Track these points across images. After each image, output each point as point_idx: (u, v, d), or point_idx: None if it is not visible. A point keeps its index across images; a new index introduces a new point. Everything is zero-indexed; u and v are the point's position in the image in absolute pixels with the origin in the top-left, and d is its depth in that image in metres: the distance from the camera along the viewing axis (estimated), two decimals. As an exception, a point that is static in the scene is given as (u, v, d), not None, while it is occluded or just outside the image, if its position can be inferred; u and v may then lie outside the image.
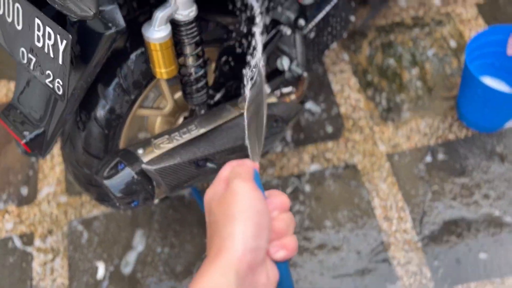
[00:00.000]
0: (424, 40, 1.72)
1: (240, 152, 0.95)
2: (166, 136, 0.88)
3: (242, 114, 0.99)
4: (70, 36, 0.67)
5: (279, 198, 0.49)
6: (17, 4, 0.74)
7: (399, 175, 1.47)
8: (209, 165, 0.88)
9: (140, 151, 0.84)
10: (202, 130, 0.92)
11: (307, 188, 1.47)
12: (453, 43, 1.71)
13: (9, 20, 0.76)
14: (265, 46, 1.13)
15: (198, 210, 1.46)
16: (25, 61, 0.77)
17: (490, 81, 1.48)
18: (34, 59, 0.75)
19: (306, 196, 1.46)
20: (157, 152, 0.84)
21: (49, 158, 1.62)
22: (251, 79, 0.54)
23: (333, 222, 1.41)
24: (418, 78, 1.64)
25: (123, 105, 0.97)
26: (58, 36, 0.69)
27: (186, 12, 0.84)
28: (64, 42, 0.68)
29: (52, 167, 1.60)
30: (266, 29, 1.14)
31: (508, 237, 1.33)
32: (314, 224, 1.41)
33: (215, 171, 0.91)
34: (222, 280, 0.42)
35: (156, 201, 0.85)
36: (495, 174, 1.44)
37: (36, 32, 0.72)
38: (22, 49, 0.76)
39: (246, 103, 0.59)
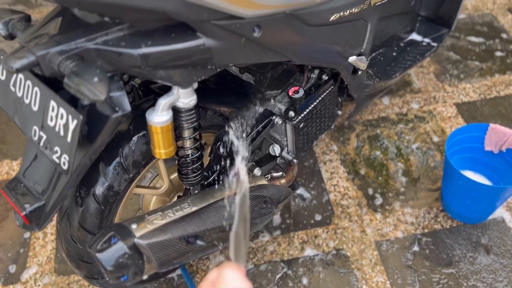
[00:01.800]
0: (408, 134, 1.84)
1: (228, 231, 0.99)
2: (160, 213, 0.93)
3: (233, 194, 1.04)
4: (81, 116, 0.75)
5: None
6: (36, 88, 0.83)
7: (388, 263, 1.49)
8: (199, 242, 0.92)
9: (133, 226, 0.88)
10: (194, 208, 0.97)
11: (297, 274, 1.48)
12: (435, 138, 1.82)
13: (27, 101, 0.85)
14: (257, 133, 1.22)
15: (186, 294, 1.44)
16: (36, 138, 0.84)
17: (471, 175, 1.56)
18: (44, 137, 0.82)
19: (295, 282, 1.46)
20: (150, 228, 0.88)
21: (42, 236, 1.63)
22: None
23: (322, 310, 1.39)
24: (403, 170, 1.73)
25: (122, 183, 1.03)
26: (69, 116, 0.77)
27: (187, 100, 0.93)
28: (75, 121, 0.76)
29: (44, 245, 1.60)
30: (259, 118, 1.24)
31: (498, 331, 1.32)
32: (302, 312, 1.39)
33: (204, 249, 0.94)
34: None
35: (145, 277, 0.87)
36: (482, 266, 1.46)
37: (50, 112, 0.80)
38: (35, 127, 0.84)
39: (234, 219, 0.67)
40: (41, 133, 0.83)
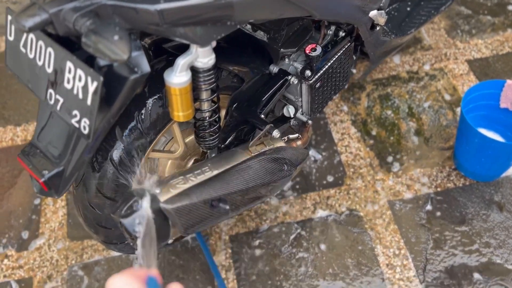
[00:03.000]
0: (419, 93, 1.80)
1: (252, 193, 0.98)
2: (181, 177, 0.91)
3: (252, 157, 1.02)
4: (101, 78, 0.71)
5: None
6: (49, 49, 0.78)
7: (401, 222, 1.49)
8: (222, 206, 0.90)
9: (157, 190, 0.86)
10: (216, 172, 0.95)
11: (311, 235, 1.48)
12: (447, 96, 1.79)
13: (40, 63, 0.81)
14: (273, 95, 1.18)
15: (201, 257, 1.45)
16: (52, 102, 0.81)
17: (485, 133, 1.54)
18: (61, 100, 0.79)
19: (310, 243, 1.46)
20: (174, 192, 0.86)
21: (52, 203, 1.62)
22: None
23: (337, 269, 1.41)
24: (415, 129, 1.70)
25: (138, 147, 1.00)
26: (89, 78, 0.73)
27: (206, 59, 0.89)
28: (95, 83, 0.72)
29: (55, 211, 1.59)
30: (274, 78, 1.20)
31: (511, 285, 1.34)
32: (318, 272, 1.41)
33: (227, 212, 0.93)
34: None
35: (170, 241, 0.86)
36: (495, 223, 1.47)
37: (67, 74, 0.76)
38: (50, 90, 0.80)
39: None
40: (58, 96, 0.79)
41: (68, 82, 0.76)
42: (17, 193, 1.65)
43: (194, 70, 0.91)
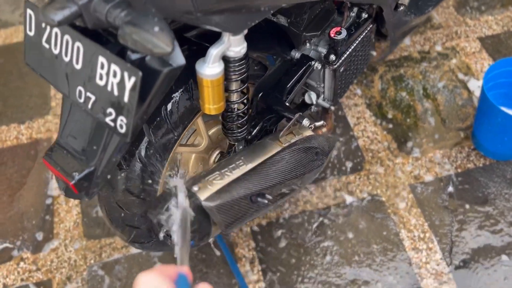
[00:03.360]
0: (433, 73, 1.77)
1: (288, 185, 0.95)
2: (217, 173, 0.87)
3: (285, 148, 0.98)
4: (140, 73, 0.67)
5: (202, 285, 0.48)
6: (77, 43, 0.73)
7: (424, 205, 1.47)
8: (261, 200, 0.87)
9: (195, 188, 0.82)
10: (250, 165, 0.91)
11: (333, 222, 1.46)
12: (461, 75, 1.76)
13: (66, 59, 0.76)
14: (297, 81, 1.14)
15: (222, 250, 1.42)
16: (81, 100, 0.76)
17: (506, 111, 1.51)
18: (93, 98, 0.74)
19: (333, 230, 1.44)
20: (212, 189, 0.83)
21: (65, 202, 1.57)
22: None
23: (363, 256, 1.39)
24: (431, 110, 1.68)
25: (166, 143, 0.96)
26: (125, 73, 0.69)
27: (238, 48, 0.85)
28: (133, 79, 0.68)
29: (69, 210, 1.55)
30: (297, 64, 1.16)
31: (539, 264, 1.33)
32: (344, 259, 1.39)
33: (267, 206, 0.90)
34: None
35: (211, 239, 0.83)
36: (518, 202, 1.46)
37: (99, 70, 0.71)
38: (80, 88, 0.75)
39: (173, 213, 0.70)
40: (89, 94, 0.74)
41: (101, 78, 0.72)
42: (28, 194, 1.60)
43: (225, 60, 0.86)
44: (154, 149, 0.94)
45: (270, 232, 1.45)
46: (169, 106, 0.93)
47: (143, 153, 0.94)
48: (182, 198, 0.76)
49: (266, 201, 0.88)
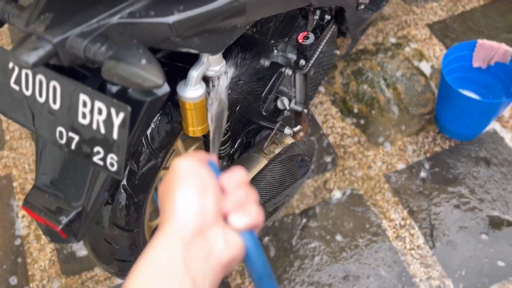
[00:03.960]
0: (389, 63, 1.83)
1: (280, 198, 0.94)
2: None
3: (272, 160, 0.98)
4: (129, 107, 0.63)
5: (235, 173, 0.47)
6: (53, 82, 0.68)
7: (400, 193, 1.52)
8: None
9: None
10: (241, 183, 0.90)
11: (317, 222, 1.47)
12: (416, 62, 1.82)
13: (41, 100, 0.71)
14: (270, 89, 1.14)
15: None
16: (63, 141, 0.71)
17: (464, 93, 1.58)
18: (76, 138, 0.70)
19: (318, 230, 1.45)
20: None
21: (36, 240, 1.49)
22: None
23: (350, 251, 1.41)
24: (393, 99, 1.73)
25: (150, 170, 0.92)
26: (112, 110, 0.65)
27: (218, 67, 0.83)
28: (122, 114, 0.64)
29: (42, 249, 1.46)
30: (268, 72, 1.15)
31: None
32: (332, 258, 1.40)
33: (266, 219, 0.89)
34: (167, 249, 0.40)
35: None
36: (485, 178, 1.53)
37: (81, 108, 0.67)
38: (60, 128, 0.71)
39: (210, 100, 0.69)
40: (71, 134, 0.70)
41: (84, 117, 0.68)
42: (-6, 237, 1.50)
43: (206, 80, 0.84)
44: (138, 178, 0.91)
45: (256, 241, 1.44)
46: (149, 132, 0.90)
47: (127, 183, 0.90)
48: (221, 87, 0.73)
49: (264, 215, 0.86)
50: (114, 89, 0.71)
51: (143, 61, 0.60)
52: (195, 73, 0.79)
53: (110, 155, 0.68)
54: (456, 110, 1.48)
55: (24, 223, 1.52)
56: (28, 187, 1.60)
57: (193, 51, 0.75)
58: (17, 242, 1.49)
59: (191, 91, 0.80)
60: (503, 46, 1.47)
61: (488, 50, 1.50)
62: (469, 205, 1.48)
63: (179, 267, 0.39)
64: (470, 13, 1.96)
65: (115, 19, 0.65)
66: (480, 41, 1.50)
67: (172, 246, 0.40)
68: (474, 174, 1.54)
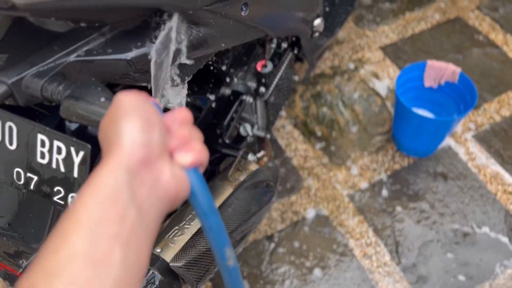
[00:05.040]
0: (347, 85, 1.89)
1: (247, 225, 0.94)
2: (176, 228, 0.84)
3: (237, 188, 0.98)
4: (89, 146, 0.63)
5: (179, 111, 0.47)
6: (9, 123, 0.67)
7: (364, 212, 1.55)
8: (226, 246, 0.86)
9: (158, 250, 0.78)
10: (207, 213, 0.89)
11: (285, 246, 1.48)
12: (371, 84, 1.89)
13: (-3, 141, 0.69)
14: (232, 117, 1.15)
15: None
16: (21, 182, 0.70)
17: (417, 111, 1.65)
18: (35, 178, 0.68)
19: (286, 255, 1.46)
20: (176, 247, 0.80)
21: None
22: None
23: (319, 273, 1.42)
24: (352, 120, 1.78)
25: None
26: (72, 148, 0.64)
27: (178, 100, 0.83)
28: (81, 153, 0.64)
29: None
30: (229, 101, 1.17)
31: (473, 245, 1.46)
32: (302, 281, 1.41)
33: (233, 248, 0.89)
34: (111, 176, 0.39)
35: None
36: (444, 192, 1.59)
37: (40, 148, 0.66)
38: (18, 169, 0.69)
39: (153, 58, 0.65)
40: (29, 175, 0.68)
41: (43, 156, 0.66)
42: None
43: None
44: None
45: (226, 269, 1.43)
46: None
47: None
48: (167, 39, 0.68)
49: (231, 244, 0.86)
50: (73, 126, 0.70)
51: (102, 99, 0.60)
52: (155, 107, 0.80)
53: (71, 194, 0.67)
54: (411, 128, 1.54)
55: (-20, 267, 1.45)
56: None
57: (150, 85, 0.76)
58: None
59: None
60: (451, 66, 1.56)
61: (437, 70, 1.58)
62: (430, 220, 1.53)
63: (125, 194, 0.38)
64: (419, 35, 2.06)
65: (72, 58, 0.65)
66: (429, 62, 1.58)
67: (117, 173, 0.39)
68: (433, 189, 1.60)
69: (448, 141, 1.71)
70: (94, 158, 0.69)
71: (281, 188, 1.61)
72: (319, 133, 1.74)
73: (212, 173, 1.15)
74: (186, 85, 0.83)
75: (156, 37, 0.68)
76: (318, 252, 1.46)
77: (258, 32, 0.91)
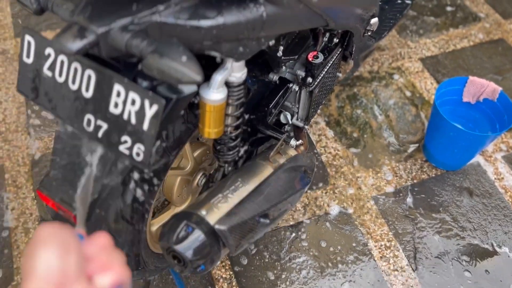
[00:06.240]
0: (383, 91, 1.91)
1: (284, 204, 0.98)
2: (220, 195, 0.88)
3: (277, 168, 1.02)
4: (163, 100, 0.67)
5: (98, 237, 0.48)
6: (88, 71, 0.71)
7: (387, 215, 1.57)
8: (265, 220, 0.89)
9: (203, 212, 0.82)
10: (248, 187, 0.93)
11: (305, 237, 1.51)
12: (408, 93, 1.91)
13: (74, 87, 0.73)
14: (276, 104, 1.19)
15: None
16: (90, 129, 0.74)
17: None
18: (105, 126, 0.73)
19: (306, 245, 1.49)
20: (220, 212, 0.84)
21: (24, 233, 1.47)
22: None
23: (336, 268, 1.45)
24: (385, 126, 1.80)
25: (162, 166, 0.95)
26: (146, 101, 0.68)
27: (240, 74, 0.87)
28: (155, 106, 0.68)
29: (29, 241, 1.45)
30: (276, 86, 1.20)
31: (491, 263, 1.47)
32: (318, 273, 1.44)
33: (267, 226, 0.92)
34: None
35: (217, 263, 0.83)
36: (468, 207, 1.60)
37: (114, 98, 0.70)
38: (89, 116, 0.73)
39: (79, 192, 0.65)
40: (99, 122, 0.73)
41: (116, 106, 0.71)
42: (-19, 226, 1.48)
43: (226, 85, 0.88)
44: (149, 174, 0.93)
45: (246, 251, 1.47)
46: (166, 130, 0.93)
47: (136, 177, 0.92)
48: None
49: (268, 221, 0.90)
50: (144, 84, 0.74)
51: (184, 58, 0.64)
52: (219, 77, 0.83)
53: (137, 145, 0.71)
54: (445, 140, 1.55)
55: (13, 215, 1.51)
56: (20, 180, 1.59)
57: (220, 55, 0.80)
58: (5, 234, 1.47)
59: (214, 93, 0.84)
60: (492, 84, 1.57)
61: (478, 87, 1.59)
62: (452, 232, 1.54)
63: None
64: (460, 52, 2.07)
65: (157, 17, 0.69)
66: (471, 77, 1.59)
67: None
68: (457, 203, 1.61)
69: (478, 158, 1.72)
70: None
71: (307, 182, 1.63)
72: (351, 134, 1.77)
73: (251, 153, 1.19)
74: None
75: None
76: (337, 247, 1.49)
77: (321, 20, 0.94)
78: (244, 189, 0.91)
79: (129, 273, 0.46)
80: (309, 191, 1.61)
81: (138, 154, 0.71)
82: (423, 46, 2.09)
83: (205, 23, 0.72)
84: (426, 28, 2.16)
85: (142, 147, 0.71)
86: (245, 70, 0.88)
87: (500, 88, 1.56)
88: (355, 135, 1.77)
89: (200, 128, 0.91)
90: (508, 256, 1.50)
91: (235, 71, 0.86)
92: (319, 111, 1.83)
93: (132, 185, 0.92)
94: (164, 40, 0.67)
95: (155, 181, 0.96)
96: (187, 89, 0.75)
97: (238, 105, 0.94)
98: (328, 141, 1.75)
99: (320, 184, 1.63)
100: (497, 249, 1.51)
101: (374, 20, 1.16)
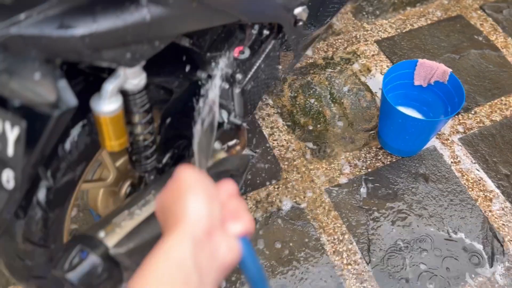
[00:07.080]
0: (337, 78, 1.85)
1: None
2: (126, 212, 0.82)
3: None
4: (24, 122, 0.61)
5: (227, 185, 0.51)
6: None
7: (340, 208, 1.53)
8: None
9: (101, 234, 0.76)
10: (162, 199, 0.87)
11: (256, 235, 1.46)
12: (363, 78, 1.85)
13: None
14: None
15: None
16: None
17: (404, 110, 1.62)
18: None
19: (258, 244, 1.44)
20: (120, 232, 0.78)
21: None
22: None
23: (288, 266, 1.41)
24: (339, 114, 1.75)
25: (68, 183, 0.89)
26: (6, 124, 0.62)
27: (136, 80, 0.81)
28: (16, 129, 0.61)
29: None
30: (204, 85, 1.14)
31: (447, 250, 1.44)
32: (269, 272, 1.39)
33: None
34: (178, 245, 0.43)
35: (124, 285, 0.78)
36: (423, 194, 1.56)
37: (-26, 122, 0.64)
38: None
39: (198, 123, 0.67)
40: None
41: (-23, 131, 0.64)
42: None
43: (124, 93, 0.82)
44: (54, 192, 0.87)
45: (194, 254, 1.42)
46: (67, 145, 0.86)
47: (41, 197, 0.86)
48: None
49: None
50: (17, 102, 0.68)
51: (37, 76, 0.57)
52: (109, 86, 0.77)
53: (6, 172, 0.65)
54: (395, 127, 1.50)
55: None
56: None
57: (106, 64, 0.73)
58: None
59: (106, 105, 0.78)
60: (442, 66, 1.51)
61: (428, 69, 1.54)
62: (406, 221, 1.50)
63: (189, 261, 0.43)
64: (417, 31, 2.01)
65: (15, 29, 0.62)
66: (420, 60, 1.54)
67: (183, 242, 0.43)
68: (413, 190, 1.57)
69: (434, 142, 1.67)
70: (35, 137, 0.67)
71: (259, 178, 1.58)
72: (303, 124, 1.71)
73: (181, 157, 1.13)
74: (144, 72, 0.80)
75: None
76: (289, 244, 1.45)
77: (228, 16, 0.87)
78: (154, 203, 0.86)
79: (252, 219, 0.50)
80: (261, 188, 1.56)
81: (8, 182, 0.65)
82: (379, 27, 2.02)
83: (75, 31, 0.65)
84: (383, 8, 2.09)
85: (11, 173, 0.65)
86: (143, 76, 0.82)
87: (449, 70, 1.50)
88: (308, 125, 1.71)
89: (101, 141, 0.84)
90: (464, 242, 1.46)
91: (131, 78, 0.80)
92: (271, 102, 1.77)
93: (36, 207, 0.86)
94: (21, 56, 0.61)
95: (63, 198, 0.90)
96: (65, 104, 0.68)
97: (145, 112, 0.87)
98: (280, 134, 1.70)
99: (273, 179, 1.58)
100: (453, 235, 1.47)
101: (299, 10, 1.09)
